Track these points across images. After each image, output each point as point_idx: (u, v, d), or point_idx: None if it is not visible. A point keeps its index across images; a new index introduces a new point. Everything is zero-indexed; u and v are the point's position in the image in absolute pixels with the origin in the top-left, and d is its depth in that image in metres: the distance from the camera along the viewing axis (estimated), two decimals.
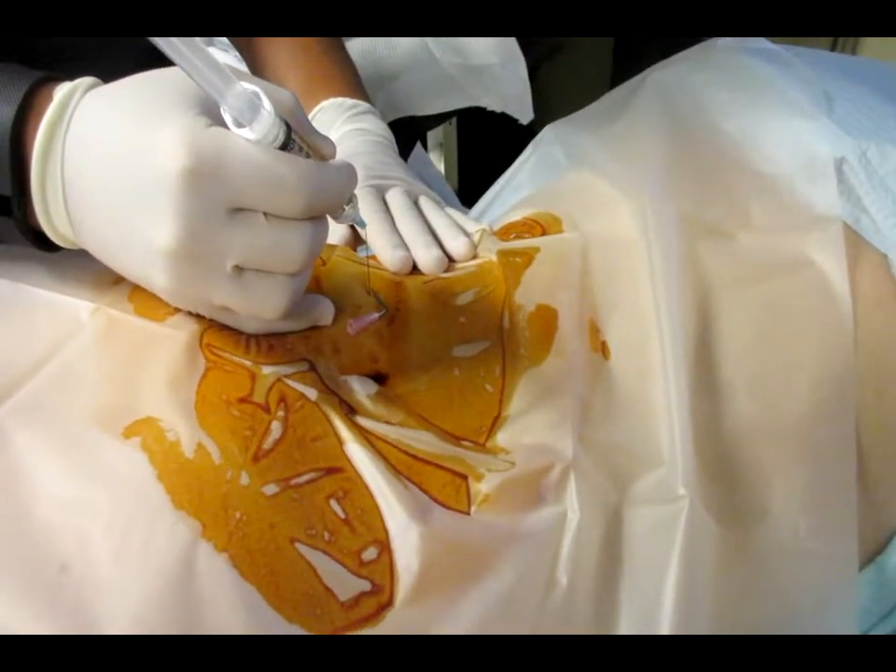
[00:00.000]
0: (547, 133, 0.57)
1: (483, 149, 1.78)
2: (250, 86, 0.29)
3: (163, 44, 0.27)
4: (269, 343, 0.36)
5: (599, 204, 0.47)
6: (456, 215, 0.50)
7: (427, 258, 0.44)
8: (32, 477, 0.29)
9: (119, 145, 0.30)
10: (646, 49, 1.88)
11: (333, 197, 0.33)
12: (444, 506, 0.33)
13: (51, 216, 0.33)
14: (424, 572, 0.31)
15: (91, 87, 0.32)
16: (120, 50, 0.48)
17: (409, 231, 0.46)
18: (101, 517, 0.28)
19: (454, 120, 1.47)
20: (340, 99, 0.59)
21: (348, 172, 0.34)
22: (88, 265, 0.39)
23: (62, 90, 0.32)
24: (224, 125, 0.30)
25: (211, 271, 0.31)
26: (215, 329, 0.36)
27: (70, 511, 0.28)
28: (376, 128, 0.58)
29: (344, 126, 0.57)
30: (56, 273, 0.38)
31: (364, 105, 0.60)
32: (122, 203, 0.30)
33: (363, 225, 0.41)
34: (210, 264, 0.31)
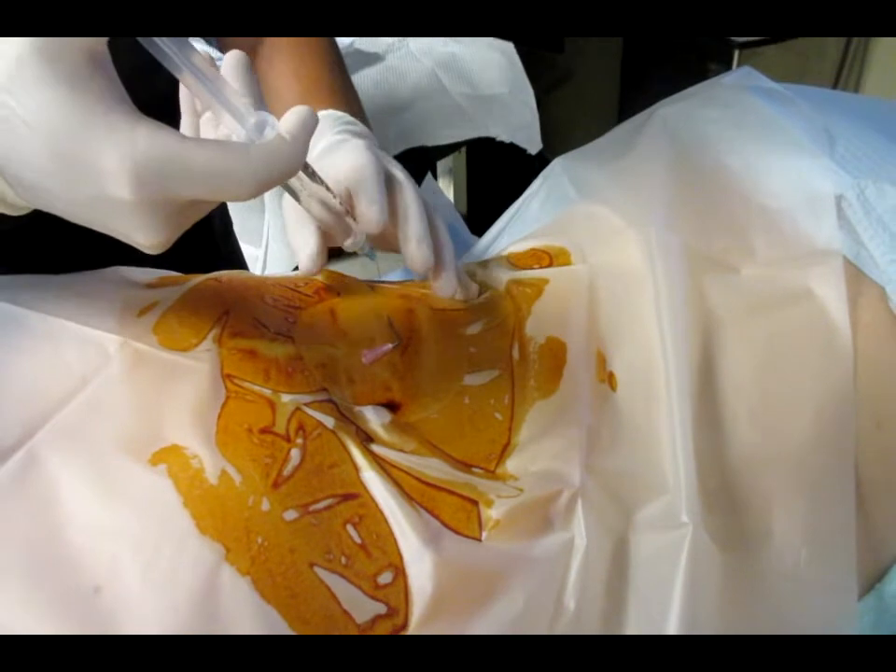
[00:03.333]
0: (556, 165, 0.59)
1: (492, 175, 1.81)
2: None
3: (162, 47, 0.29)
4: (287, 372, 0.38)
5: (608, 236, 0.48)
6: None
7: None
8: (65, 502, 0.31)
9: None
10: (651, 79, 1.91)
11: (284, 170, 0.31)
12: (456, 531, 0.34)
13: None
14: (437, 596, 0.32)
15: None
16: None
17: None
18: (130, 541, 0.30)
19: (463, 147, 1.50)
20: (339, 112, 0.54)
21: (294, 142, 0.31)
22: (114, 296, 0.41)
23: None
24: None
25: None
26: (234, 359, 0.38)
27: (102, 535, 0.30)
28: (373, 140, 0.52)
29: (337, 136, 0.50)
30: (83, 305, 0.39)
31: (362, 125, 0.54)
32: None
33: (373, 257, 0.42)
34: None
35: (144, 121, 0.29)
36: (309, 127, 0.31)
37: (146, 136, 0.28)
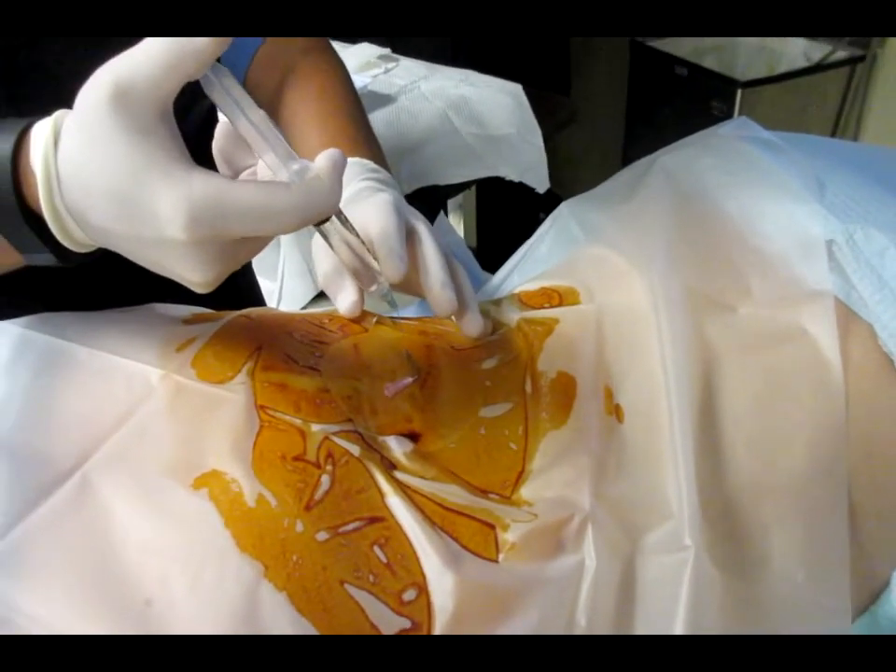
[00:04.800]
0: (563, 208, 0.62)
1: (500, 210, 1.86)
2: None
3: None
4: (316, 403, 0.41)
5: (613, 277, 0.51)
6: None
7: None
8: (116, 522, 0.34)
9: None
10: (656, 117, 1.96)
11: (322, 206, 0.34)
12: (474, 553, 0.37)
13: (59, 212, 0.35)
14: (457, 612, 0.34)
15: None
16: None
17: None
18: (178, 559, 0.33)
19: (473, 184, 1.55)
20: (365, 160, 0.57)
21: (329, 179, 0.34)
22: (153, 332, 0.44)
23: (45, 126, 0.34)
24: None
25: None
26: (267, 391, 0.41)
27: (151, 552, 0.33)
28: (396, 189, 0.56)
29: (362, 183, 0.55)
30: (126, 339, 0.42)
31: (385, 172, 0.59)
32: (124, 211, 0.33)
33: (395, 305, 0.45)
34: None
35: (198, 169, 0.33)
36: (340, 167, 0.35)
37: (200, 181, 0.32)
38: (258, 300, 0.86)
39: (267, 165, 0.36)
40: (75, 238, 0.36)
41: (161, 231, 0.32)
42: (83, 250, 0.38)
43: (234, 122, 0.35)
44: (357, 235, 0.41)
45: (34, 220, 0.36)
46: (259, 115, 0.35)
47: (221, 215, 0.32)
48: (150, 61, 0.31)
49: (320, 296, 1.27)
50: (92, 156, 0.32)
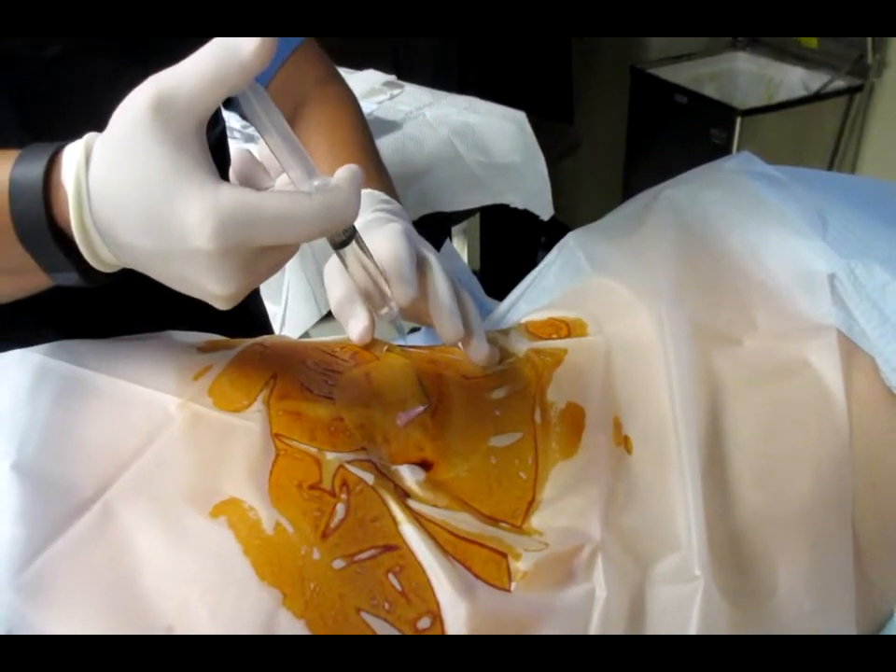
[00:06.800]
0: (570, 239, 0.63)
1: (503, 234, 1.87)
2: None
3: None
4: (331, 431, 0.41)
5: (621, 309, 0.52)
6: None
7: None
8: (138, 549, 0.34)
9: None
10: (656, 145, 1.98)
11: (340, 215, 0.35)
12: (487, 582, 0.38)
13: (88, 230, 0.36)
14: None
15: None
16: None
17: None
18: (198, 586, 0.33)
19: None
20: (376, 192, 0.58)
21: (348, 189, 0.35)
22: (170, 360, 0.45)
23: (76, 147, 0.35)
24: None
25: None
26: (282, 420, 0.41)
27: (172, 579, 0.33)
28: (406, 220, 0.57)
29: (374, 213, 0.55)
30: (144, 367, 0.43)
31: (396, 203, 0.60)
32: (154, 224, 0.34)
33: (403, 332, 0.46)
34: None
35: (225, 182, 0.34)
36: (359, 178, 0.36)
37: (227, 192, 0.33)
38: (266, 327, 0.87)
39: (291, 180, 0.37)
40: (101, 257, 0.37)
41: (189, 242, 0.33)
42: (108, 270, 0.39)
43: (264, 136, 0.36)
44: (373, 259, 0.42)
45: (61, 240, 0.37)
46: (287, 132, 0.36)
47: (247, 222, 0.33)
48: (195, 74, 0.32)
49: (323, 320, 1.28)
50: (126, 165, 0.33)
